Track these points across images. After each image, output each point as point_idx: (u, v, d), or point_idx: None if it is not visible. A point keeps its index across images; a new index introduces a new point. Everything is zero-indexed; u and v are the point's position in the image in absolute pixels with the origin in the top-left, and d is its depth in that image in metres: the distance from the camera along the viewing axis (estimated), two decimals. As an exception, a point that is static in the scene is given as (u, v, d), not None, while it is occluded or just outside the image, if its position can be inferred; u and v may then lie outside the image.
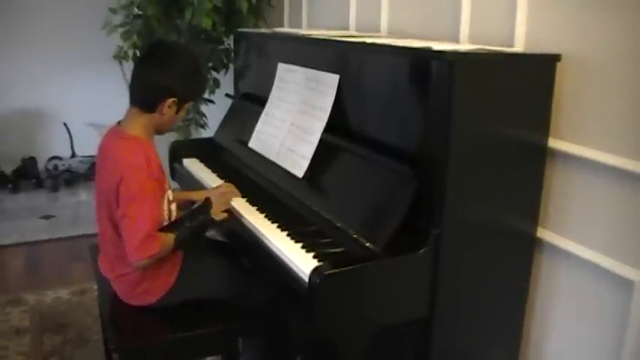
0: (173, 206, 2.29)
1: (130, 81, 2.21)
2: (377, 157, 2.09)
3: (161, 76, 2.15)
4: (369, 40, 2.33)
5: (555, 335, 2.24)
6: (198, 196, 2.58)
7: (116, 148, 2.16)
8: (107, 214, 2.16)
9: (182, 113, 2.25)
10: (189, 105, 2.27)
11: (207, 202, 2.32)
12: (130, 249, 2.06)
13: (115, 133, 2.21)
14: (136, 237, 2.04)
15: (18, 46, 5.26)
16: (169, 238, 2.13)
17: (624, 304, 1.95)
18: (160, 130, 2.26)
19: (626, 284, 1.93)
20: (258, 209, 2.44)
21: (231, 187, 2.56)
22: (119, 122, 2.24)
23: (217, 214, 2.31)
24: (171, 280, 2.25)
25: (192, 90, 2.26)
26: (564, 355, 2.22)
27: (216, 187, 2.60)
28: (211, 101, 4.21)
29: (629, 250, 1.94)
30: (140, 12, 3.99)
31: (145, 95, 2.18)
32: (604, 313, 2.04)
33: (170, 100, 2.15)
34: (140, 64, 2.23)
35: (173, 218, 2.29)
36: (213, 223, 2.32)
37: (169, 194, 2.26)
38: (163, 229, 2.16)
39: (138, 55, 3.94)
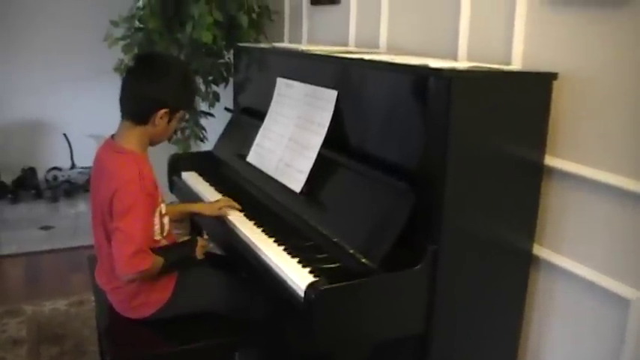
0: (166, 219, 2.31)
1: (120, 94, 2.22)
2: (374, 173, 2.09)
3: (152, 88, 2.16)
4: (367, 57, 2.34)
5: (552, 352, 2.24)
6: (194, 209, 2.64)
7: (111, 161, 2.17)
8: (102, 226, 2.17)
9: (174, 123, 2.26)
10: (181, 114, 2.27)
11: (193, 241, 2.35)
12: (119, 263, 2.06)
13: (110, 147, 2.22)
14: (127, 251, 2.04)
15: (19, 58, 5.28)
16: (159, 260, 2.15)
17: (621, 323, 1.96)
18: (153, 141, 2.27)
19: (623, 303, 1.94)
20: (255, 223, 2.45)
21: (230, 202, 2.61)
22: (113, 136, 2.25)
23: (199, 254, 2.33)
24: (168, 293, 2.26)
25: (183, 99, 2.27)
26: (560, 372, 2.23)
27: (215, 202, 2.63)
28: (211, 114, 4.23)
29: (626, 268, 1.94)
30: (141, 25, 4.01)
31: (136, 108, 2.18)
32: (600, 331, 2.05)
33: (162, 111, 2.16)
34: (130, 77, 2.22)
35: (166, 231, 2.30)
36: (194, 260, 2.33)
37: (162, 207, 2.27)
38: (154, 252, 2.16)
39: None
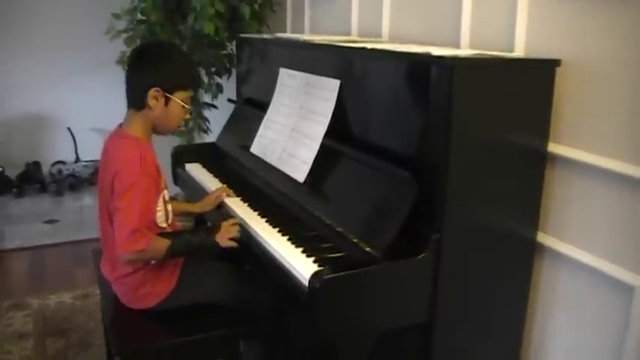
0: (170, 207, 2.32)
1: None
2: (377, 163, 2.09)
3: (140, 71, 2.21)
4: (369, 46, 2.33)
5: (556, 340, 2.24)
6: (196, 209, 2.70)
7: (114, 147, 2.21)
8: (107, 212, 2.18)
9: (174, 105, 2.22)
10: (180, 96, 2.24)
11: (215, 226, 2.33)
12: (118, 242, 2.08)
13: (116, 134, 2.26)
14: (124, 230, 2.05)
15: (22, 51, 5.28)
16: (162, 242, 2.15)
17: (625, 310, 1.96)
18: (157, 128, 2.27)
19: (627, 289, 1.93)
20: (259, 214, 2.44)
21: (229, 191, 2.66)
22: (120, 125, 2.27)
23: (222, 240, 2.29)
24: (172, 282, 2.27)
25: (172, 77, 2.23)
26: (565, 360, 2.23)
27: (212, 193, 2.69)
28: (214, 106, 4.23)
29: (630, 255, 1.94)
30: (143, 18, 4.01)
31: (131, 94, 2.23)
32: (604, 318, 2.04)
33: (152, 91, 2.17)
34: (127, 69, 2.29)
35: (170, 219, 2.30)
36: (216, 247, 2.29)
37: (165, 194, 2.28)
38: (161, 235, 2.18)
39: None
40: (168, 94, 2.20)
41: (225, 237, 2.29)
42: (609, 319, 2.02)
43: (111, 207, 2.13)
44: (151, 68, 2.20)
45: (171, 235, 2.23)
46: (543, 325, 2.27)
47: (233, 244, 2.30)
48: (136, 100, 2.21)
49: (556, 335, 2.24)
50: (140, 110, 2.21)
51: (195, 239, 2.27)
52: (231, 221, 2.35)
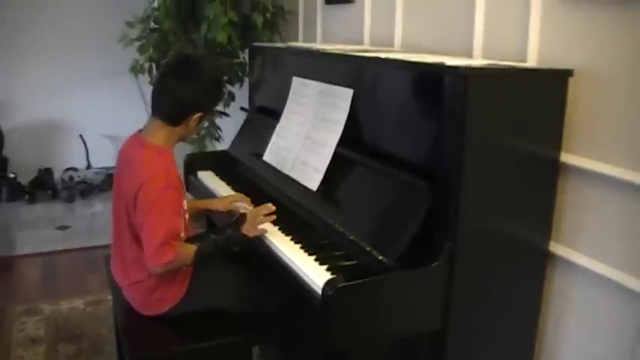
0: (187, 215, 2.33)
1: (152, 92, 2.24)
2: (390, 171, 2.10)
3: (191, 92, 2.18)
4: (382, 55, 2.34)
5: (568, 349, 2.24)
6: (206, 205, 2.68)
7: (137, 155, 2.20)
8: (126, 218, 2.19)
9: (201, 123, 2.31)
10: (208, 117, 2.32)
11: (240, 218, 2.33)
12: (147, 256, 2.09)
13: (137, 141, 2.25)
14: (153, 244, 2.07)
15: (35, 58, 5.32)
16: (189, 249, 2.17)
17: (636, 318, 1.95)
18: (181, 140, 2.32)
19: (639, 298, 1.93)
20: (272, 221, 2.44)
21: (242, 197, 2.64)
22: (140, 130, 2.28)
23: (250, 230, 2.29)
24: (184, 288, 2.28)
25: (215, 103, 2.34)
26: (577, 369, 2.23)
27: (226, 197, 2.69)
28: (226, 114, 4.24)
29: (642, 264, 1.94)
30: (157, 26, 4.03)
31: (172, 109, 2.21)
32: (616, 327, 2.04)
33: (198, 115, 2.20)
34: (166, 77, 2.24)
35: (187, 228, 2.31)
36: (244, 239, 2.29)
37: (185, 204, 2.29)
38: (188, 240, 2.20)
39: (154, 68, 3.98)
40: (204, 116, 2.26)
41: (253, 227, 2.30)
42: (621, 328, 2.02)
43: (136, 221, 2.14)
44: (202, 92, 2.21)
45: (197, 238, 2.24)
46: (555, 333, 2.27)
47: (263, 231, 2.31)
48: (173, 116, 2.20)
49: (568, 343, 2.24)
50: (172, 125, 2.21)
51: (222, 238, 2.27)
52: (255, 209, 2.36)
